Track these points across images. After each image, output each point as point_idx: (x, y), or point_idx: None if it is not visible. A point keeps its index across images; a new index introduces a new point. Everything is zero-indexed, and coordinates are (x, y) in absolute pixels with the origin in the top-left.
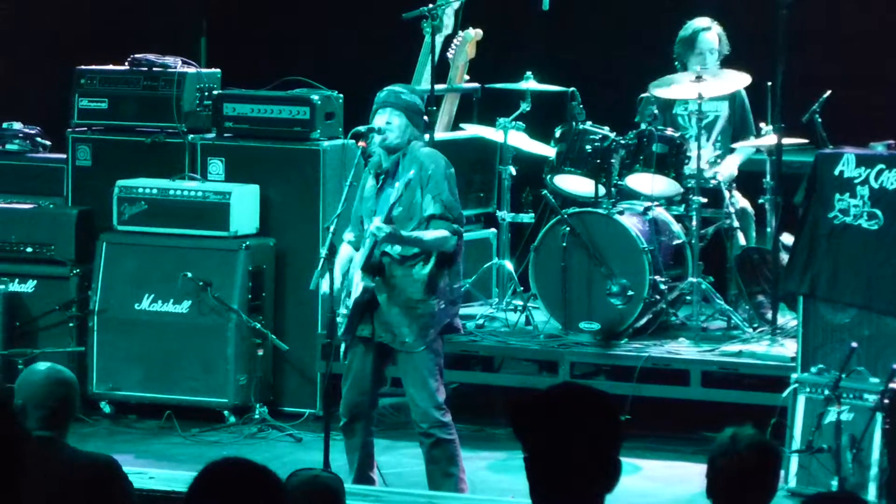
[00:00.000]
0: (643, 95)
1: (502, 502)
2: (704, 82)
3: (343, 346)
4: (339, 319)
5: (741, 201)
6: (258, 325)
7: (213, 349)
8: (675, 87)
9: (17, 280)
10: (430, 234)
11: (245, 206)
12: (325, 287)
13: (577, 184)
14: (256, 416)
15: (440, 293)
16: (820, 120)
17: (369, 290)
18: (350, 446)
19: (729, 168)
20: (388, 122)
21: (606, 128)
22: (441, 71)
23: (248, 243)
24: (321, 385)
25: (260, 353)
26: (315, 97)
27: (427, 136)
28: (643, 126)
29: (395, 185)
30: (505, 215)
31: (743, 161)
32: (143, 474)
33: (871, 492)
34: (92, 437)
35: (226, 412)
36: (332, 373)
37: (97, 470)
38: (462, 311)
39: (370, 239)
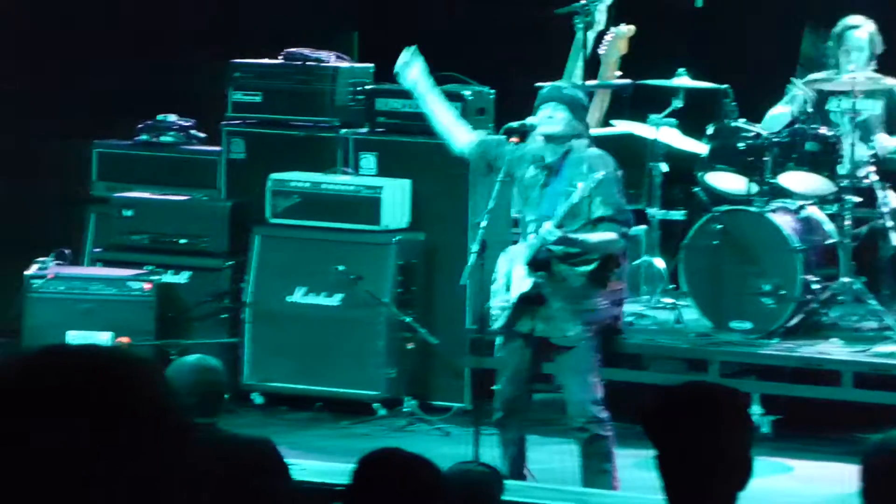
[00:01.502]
0: (792, 80)
1: (652, 500)
2: (858, 80)
3: (498, 341)
4: (494, 312)
5: (895, 201)
6: (408, 319)
7: (363, 342)
8: (827, 84)
9: (171, 271)
10: (597, 237)
11: (396, 200)
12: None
13: (729, 181)
14: (405, 410)
15: (603, 291)
16: None
17: (538, 285)
18: (504, 441)
19: (889, 142)
20: (550, 116)
21: (760, 125)
22: (592, 67)
23: (398, 237)
24: (470, 379)
25: (409, 346)
26: (466, 93)
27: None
28: (797, 122)
29: (578, 185)
30: (655, 212)
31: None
32: (296, 466)
33: None
34: (244, 428)
35: (375, 405)
36: (481, 368)
37: (255, 451)
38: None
39: (539, 240)
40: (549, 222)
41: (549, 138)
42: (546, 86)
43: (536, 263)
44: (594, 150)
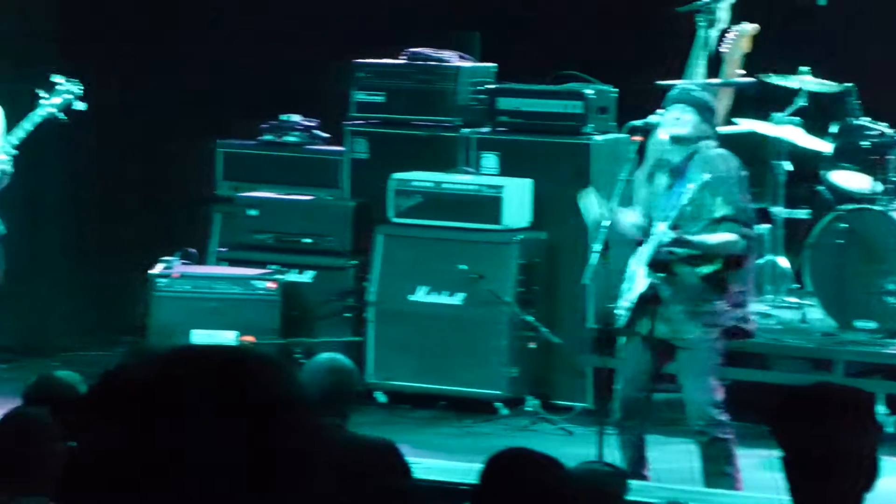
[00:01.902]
0: None
1: (778, 501)
2: None
3: (620, 341)
4: (618, 312)
5: None
6: (530, 319)
7: (485, 341)
8: None
9: (295, 270)
10: (716, 238)
11: (518, 199)
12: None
13: (853, 180)
14: (528, 409)
15: (725, 293)
16: None
17: (654, 286)
18: (624, 442)
19: None
20: (677, 117)
21: (885, 124)
22: (715, 65)
23: (520, 237)
24: (592, 379)
25: (532, 346)
26: (588, 91)
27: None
28: None
29: (687, 186)
30: (779, 211)
31: None
32: (420, 464)
33: None
34: (367, 426)
35: (498, 404)
36: (604, 367)
37: (377, 453)
38: None
39: (655, 242)
40: (663, 224)
41: (676, 140)
42: (674, 86)
43: (656, 264)
44: (718, 150)
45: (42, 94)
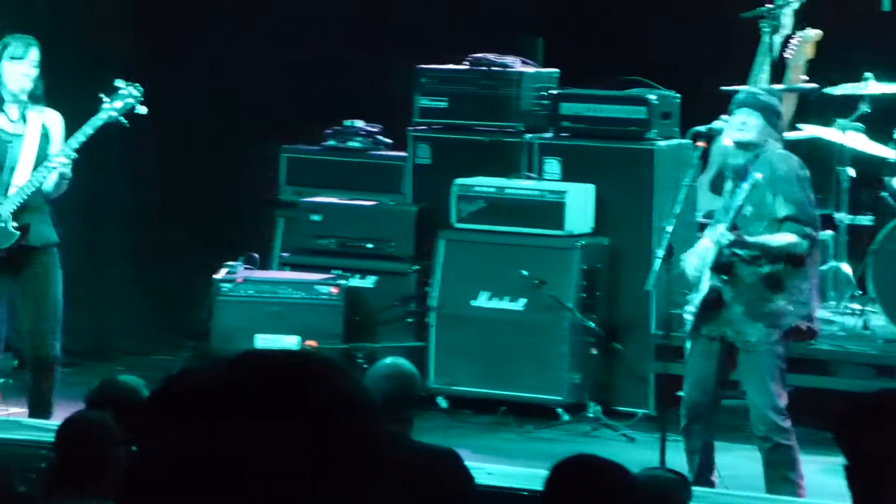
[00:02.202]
0: None
1: None
2: None
3: (687, 346)
4: (686, 317)
5: None
6: (592, 324)
7: (547, 347)
8: None
9: (357, 275)
10: (776, 239)
11: (580, 205)
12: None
13: None
14: (590, 415)
15: (787, 294)
16: None
17: (716, 289)
18: (690, 448)
19: None
20: (743, 122)
21: None
22: (778, 71)
23: (582, 242)
24: (654, 385)
25: (594, 351)
26: (652, 97)
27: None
28: None
29: (743, 186)
30: (843, 217)
31: None
32: (481, 470)
33: None
34: (429, 431)
35: (559, 410)
36: (666, 373)
37: (439, 462)
38: None
39: (716, 245)
40: (721, 225)
41: (740, 146)
42: (740, 91)
43: (720, 267)
44: (780, 151)
45: (104, 98)
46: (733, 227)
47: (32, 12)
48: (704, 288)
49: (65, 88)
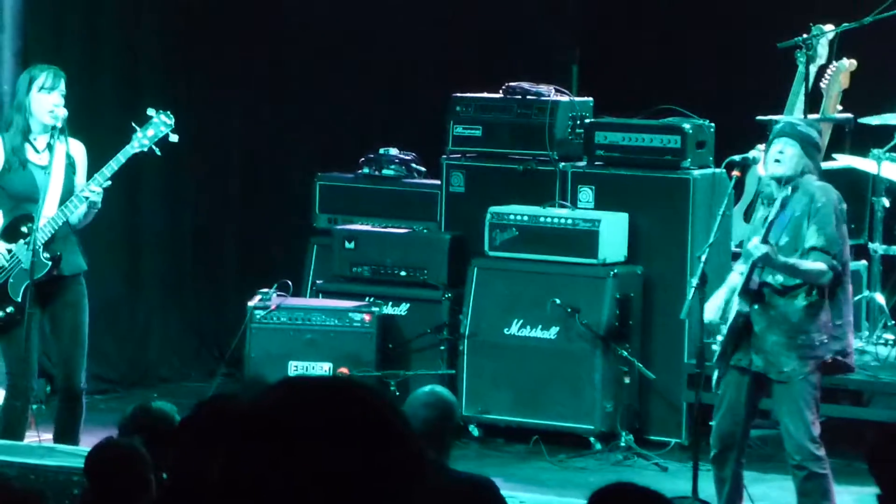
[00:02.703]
0: None
1: None
2: None
3: (715, 375)
4: (714, 347)
5: None
6: (625, 353)
7: (580, 375)
8: None
9: (390, 303)
10: (806, 264)
11: (614, 233)
12: (708, 315)
13: None
14: (622, 444)
15: (821, 326)
16: None
17: (743, 314)
18: (720, 477)
19: None
20: (780, 151)
21: None
22: (814, 101)
23: (615, 271)
24: (688, 414)
25: (626, 380)
26: (686, 126)
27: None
28: None
29: (785, 215)
30: (877, 247)
31: None
32: (514, 498)
33: None
34: (462, 459)
35: (592, 438)
36: (699, 402)
37: (477, 490)
38: None
39: (748, 259)
40: (756, 237)
41: (776, 179)
42: (778, 121)
43: (749, 294)
44: (819, 183)
45: (136, 127)
46: (765, 242)
47: (66, 41)
48: (733, 316)
49: (98, 117)
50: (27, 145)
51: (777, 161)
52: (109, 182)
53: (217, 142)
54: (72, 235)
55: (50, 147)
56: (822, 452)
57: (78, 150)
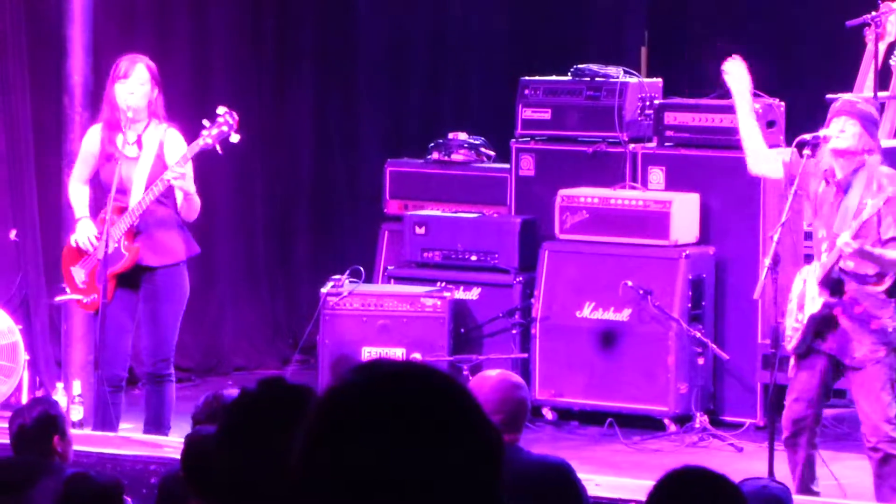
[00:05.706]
0: None
1: None
2: None
3: (792, 359)
4: (788, 333)
5: None
6: (698, 335)
7: (653, 357)
8: None
9: (462, 287)
10: (892, 255)
11: (685, 214)
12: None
13: None
14: (697, 426)
15: (894, 313)
16: None
17: (829, 305)
18: (793, 459)
19: None
20: (841, 129)
21: None
22: (884, 78)
23: (688, 252)
24: (762, 395)
25: (700, 362)
26: (756, 105)
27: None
28: None
29: (859, 201)
30: None
31: None
32: (589, 481)
33: None
34: (536, 443)
35: (666, 420)
36: (774, 383)
37: (552, 472)
38: None
39: (835, 253)
40: (847, 233)
41: (839, 153)
42: (838, 98)
43: (830, 283)
44: (887, 169)
45: (205, 123)
46: (856, 236)
47: (136, 33)
48: (812, 305)
49: (168, 110)
50: (119, 136)
51: (839, 137)
52: (181, 171)
53: (288, 130)
54: (167, 226)
55: (139, 137)
56: None
57: (172, 139)
